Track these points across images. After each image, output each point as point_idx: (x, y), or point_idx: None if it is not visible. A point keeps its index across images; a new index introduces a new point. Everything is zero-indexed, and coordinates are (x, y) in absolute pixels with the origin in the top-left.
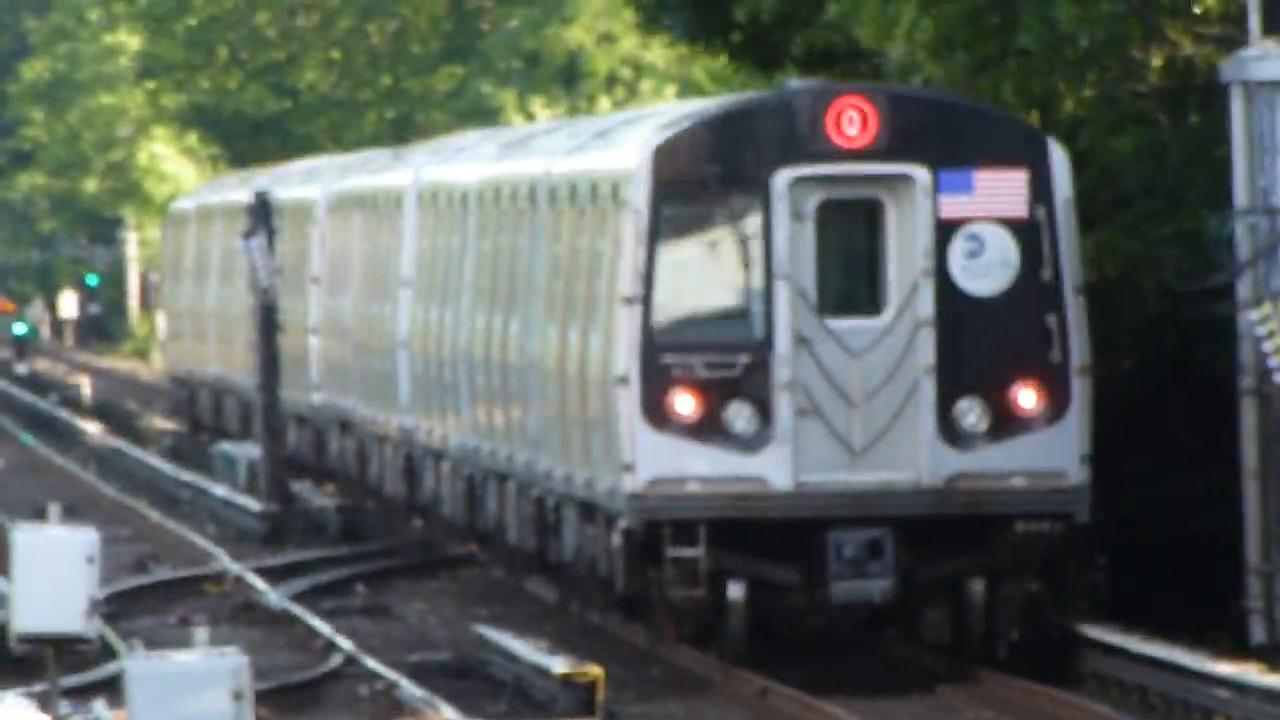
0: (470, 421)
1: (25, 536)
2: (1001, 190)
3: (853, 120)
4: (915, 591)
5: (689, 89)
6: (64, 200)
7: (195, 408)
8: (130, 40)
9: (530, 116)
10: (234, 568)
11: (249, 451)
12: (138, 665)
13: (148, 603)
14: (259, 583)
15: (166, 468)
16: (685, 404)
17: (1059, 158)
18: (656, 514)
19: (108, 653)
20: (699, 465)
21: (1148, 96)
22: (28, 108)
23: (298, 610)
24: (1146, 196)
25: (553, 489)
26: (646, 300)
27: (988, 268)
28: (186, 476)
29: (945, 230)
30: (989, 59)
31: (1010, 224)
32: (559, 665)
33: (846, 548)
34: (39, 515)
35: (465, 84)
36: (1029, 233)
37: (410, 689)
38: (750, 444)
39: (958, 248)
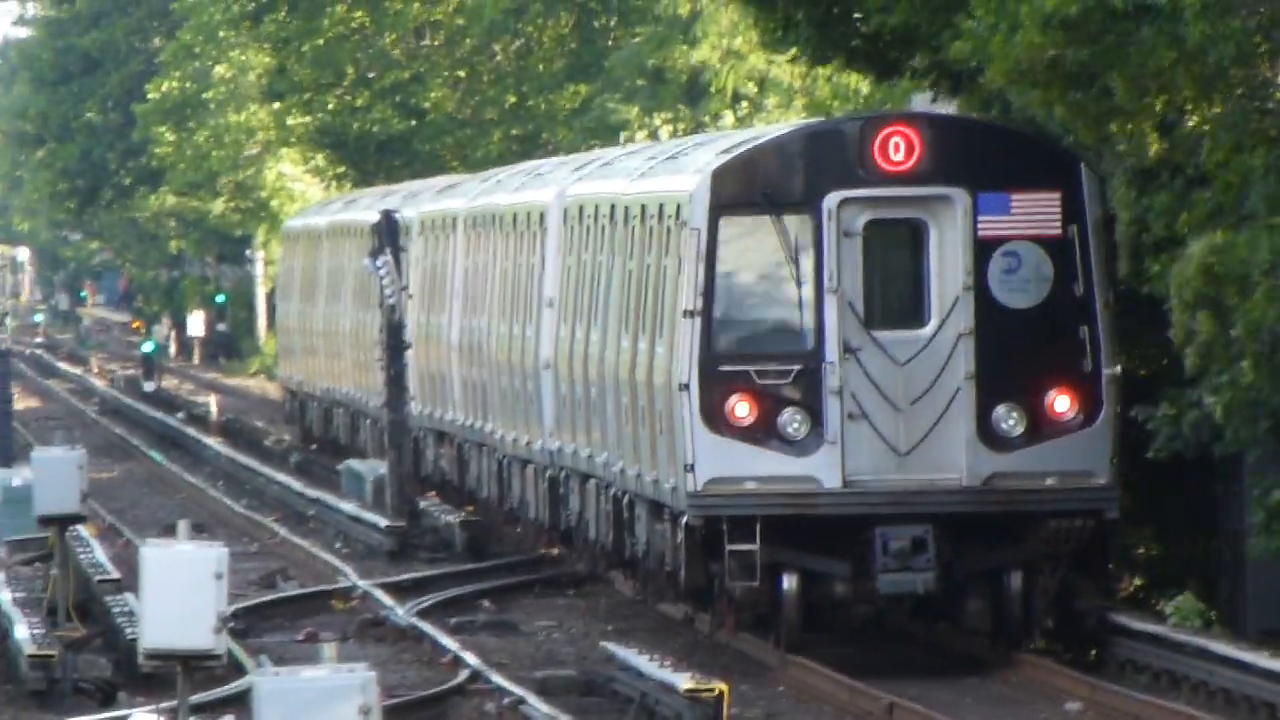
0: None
1: (154, 553)
2: (1036, 210)
3: (898, 146)
4: (956, 583)
5: (813, 106)
6: (192, 220)
7: (305, 419)
8: (257, 59)
9: (654, 134)
10: (361, 584)
11: (376, 468)
12: (266, 681)
13: (276, 619)
14: (386, 599)
15: (294, 484)
16: (742, 409)
17: (1090, 180)
18: (716, 511)
19: (236, 669)
20: (755, 466)
21: (1275, 113)
22: (156, 127)
23: (424, 626)
24: (1272, 213)
25: (627, 488)
26: (706, 313)
27: (1023, 283)
28: (314, 493)
29: (984, 248)
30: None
31: (1044, 242)
32: (684, 681)
33: (892, 542)
34: (168, 532)
35: (590, 101)
36: (1062, 250)
37: (536, 705)
38: (802, 446)
39: (995, 264)
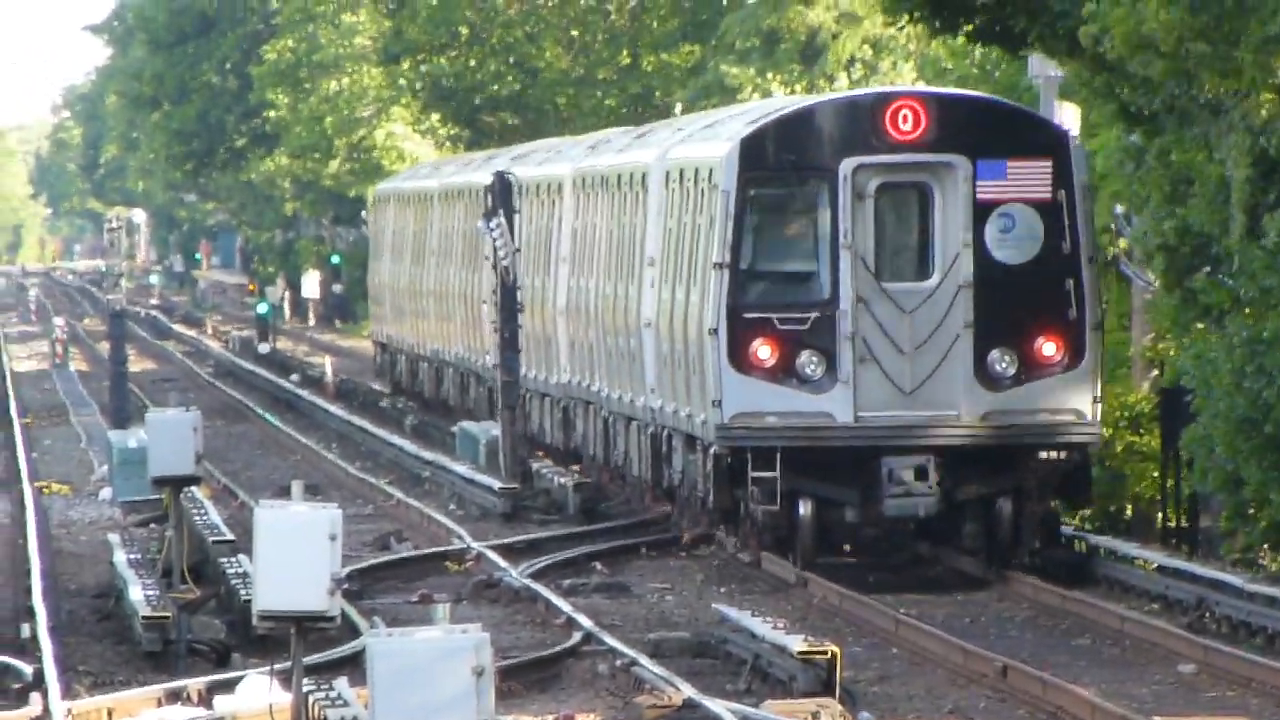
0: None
1: (269, 515)
2: (1029, 177)
3: (907, 118)
4: (954, 508)
5: (928, 67)
6: (307, 181)
7: (395, 371)
8: (371, 20)
9: (768, 95)
10: (475, 545)
11: (489, 430)
12: (380, 643)
13: (390, 581)
14: (500, 560)
15: (408, 446)
16: (764, 352)
17: (1077, 150)
18: (740, 442)
19: (350, 631)
20: (775, 402)
21: None
22: (271, 90)
23: (538, 588)
24: None
25: (665, 424)
26: (734, 266)
27: (1017, 241)
28: (428, 455)
29: (982, 210)
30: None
31: (1036, 205)
32: (797, 643)
33: (897, 471)
34: (282, 494)
35: (704, 62)
36: (1052, 212)
37: (649, 667)
38: (818, 385)
39: (992, 224)
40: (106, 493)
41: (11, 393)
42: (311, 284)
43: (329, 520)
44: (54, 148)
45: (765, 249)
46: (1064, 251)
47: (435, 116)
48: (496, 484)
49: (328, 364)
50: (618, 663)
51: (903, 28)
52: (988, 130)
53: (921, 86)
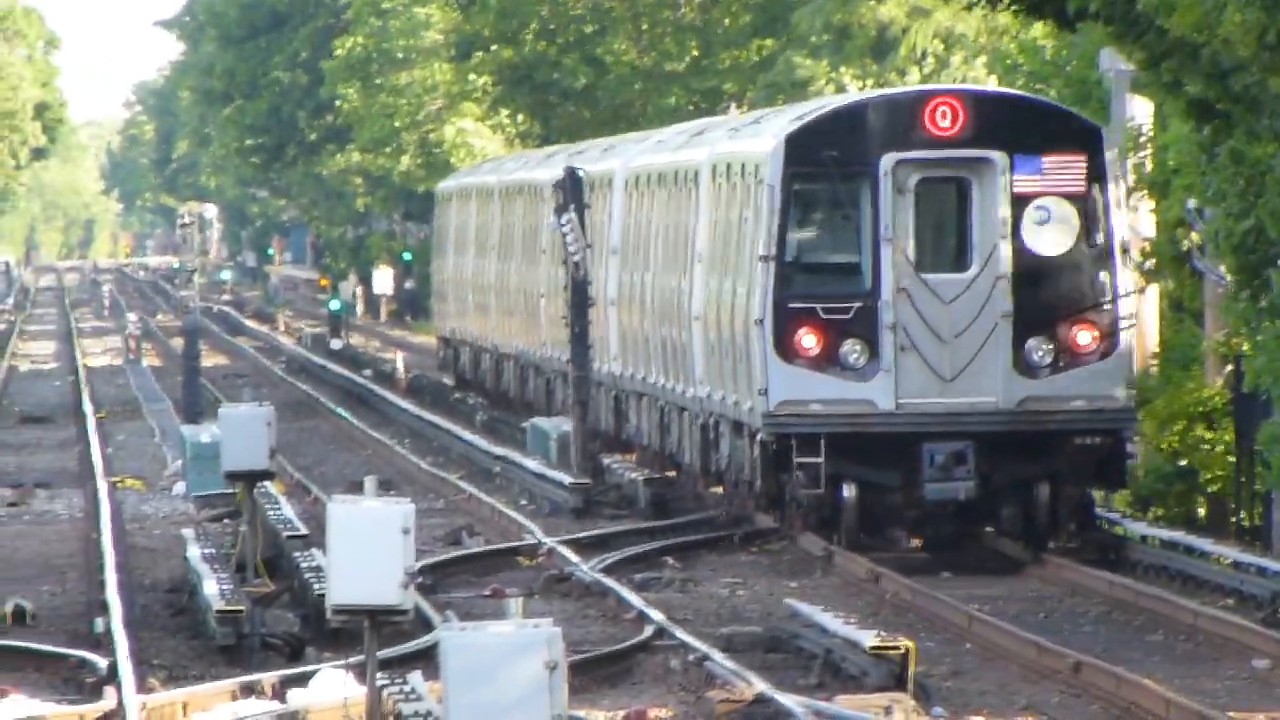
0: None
1: (342, 509)
2: (1064, 171)
3: (945, 115)
4: (992, 492)
5: (999, 62)
6: (378, 177)
7: (459, 364)
8: (442, 14)
9: (840, 89)
10: (546, 540)
11: (560, 425)
12: (453, 637)
13: (462, 575)
14: (571, 555)
15: (479, 441)
16: (809, 341)
17: (1110, 144)
18: (786, 429)
19: (423, 625)
20: (820, 390)
21: None
22: (342, 84)
23: (609, 582)
24: None
25: (712, 411)
26: (779, 258)
27: (1053, 233)
28: (499, 450)
29: (1019, 203)
30: None
31: (1071, 198)
32: (870, 638)
33: (937, 456)
34: (355, 488)
35: (774, 57)
36: (1086, 205)
37: (721, 661)
38: (861, 373)
39: (1029, 216)
40: (180, 487)
41: (85, 388)
42: (383, 280)
43: (402, 514)
44: (126, 143)
45: (809, 242)
46: (1097, 242)
47: (505, 112)
48: (567, 479)
49: (399, 359)
50: (689, 657)
51: (979, 12)
52: (1023, 126)
53: (959, 85)
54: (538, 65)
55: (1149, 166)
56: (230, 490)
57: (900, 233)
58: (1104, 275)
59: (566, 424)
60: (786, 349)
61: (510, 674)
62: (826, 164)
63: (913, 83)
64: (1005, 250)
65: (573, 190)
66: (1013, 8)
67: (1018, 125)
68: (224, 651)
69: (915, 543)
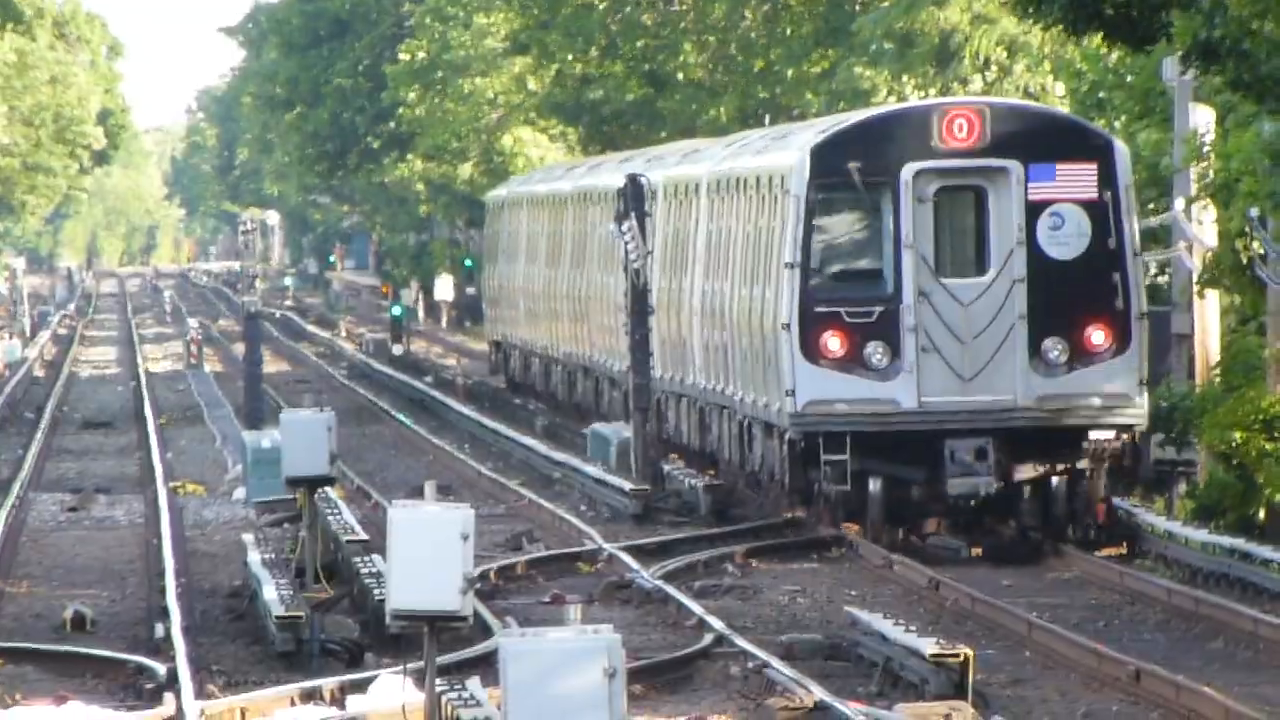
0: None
1: (402, 514)
2: (1077, 179)
3: (962, 126)
4: (1012, 487)
5: (1063, 70)
6: (440, 184)
7: (509, 368)
8: (504, 22)
9: (902, 98)
10: (607, 547)
11: (621, 431)
12: (513, 643)
13: (522, 581)
14: (631, 562)
15: (540, 447)
16: (834, 344)
17: (1121, 153)
18: (813, 428)
19: (483, 631)
20: (845, 390)
21: None
22: (404, 90)
23: (669, 589)
24: None
25: (745, 413)
26: (805, 265)
27: (1067, 238)
28: (559, 456)
29: (1034, 209)
30: None
31: (1084, 205)
32: (929, 646)
33: (959, 453)
34: (415, 494)
35: (837, 66)
36: (1098, 211)
37: (781, 669)
38: (884, 374)
39: (1043, 223)
40: (240, 493)
41: (146, 393)
42: (445, 286)
43: (461, 520)
44: (189, 150)
45: (833, 249)
46: (1110, 247)
47: (560, 126)
48: (628, 485)
49: (459, 366)
50: (749, 665)
51: (1034, 26)
52: (1038, 136)
53: (976, 97)
54: (597, 83)
55: (1211, 175)
56: (291, 496)
57: (920, 239)
58: (1116, 277)
59: (626, 430)
60: (812, 351)
61: (570, 680)
62: (849, 174)
63: (975, 91)
64: (1021, 255)
65: (634, 197)
66: (1059, 25)
67: (1032, 136)
68: (283, 657)
69: (975, 551)
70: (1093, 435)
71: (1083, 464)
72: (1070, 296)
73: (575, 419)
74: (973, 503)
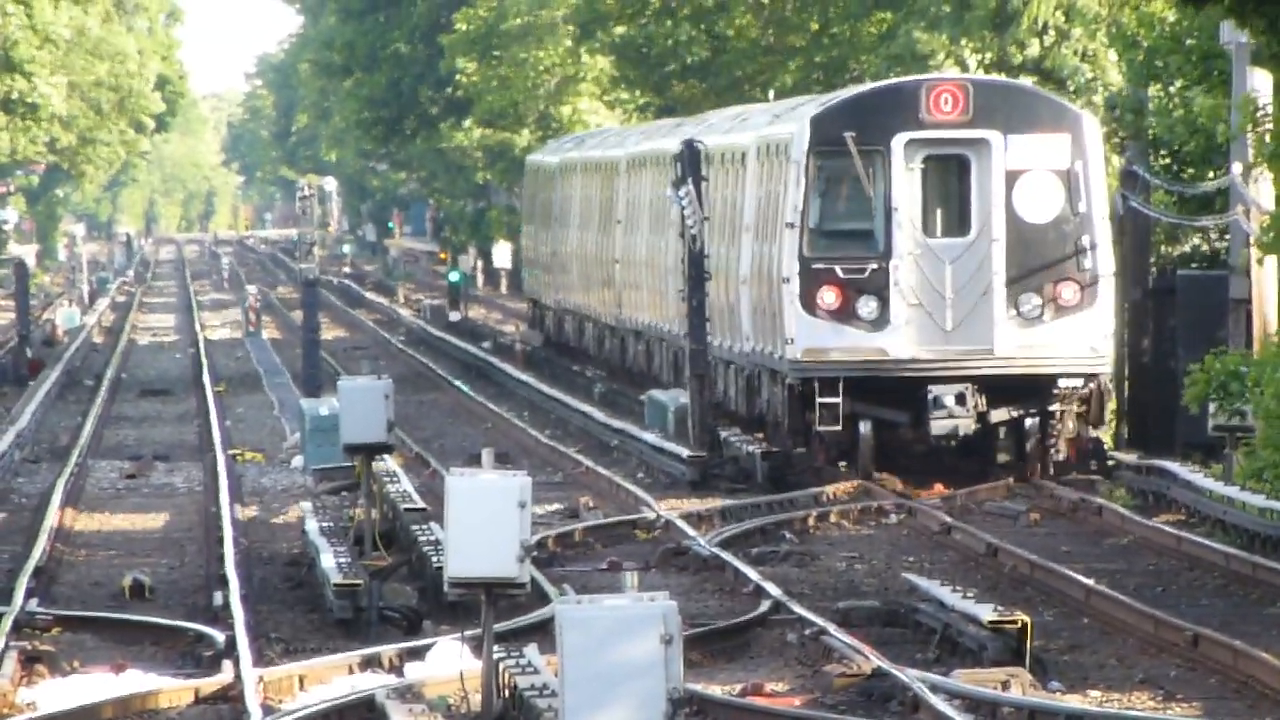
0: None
1: (459, 482)
2: (1051, 148)
3: (948, 100)
4: (989, 428)
5: (1118, 37)
6: (498, 150)
7: (544, 325)
8: None
9: (960, 62)
10: (664, 513)
11: (678, 398)
12: (569, 610)
13: (579, 548)
14: (688, 529)
15: (597, 414)
16: (829, 297)
17: (1091, 126)
18: (809, 373)
19: (540, 598)
20: (839, 340)
21: None
22: (461, 58)
23: (726, 556)
24: None
25: (754, 361)
26: (802, 225)
27: (1041, 203)
28: (617, 423)
29: (1012, 176)
30: None
31: (1057, 173)
32: (987, 612)
33: (941, 397)
34: (473, 461)
35: (895, 29)
36: (1070, 179)
37: (838, 636)
38: (875, 325)
39: (1020, 188)
40: (299, 460)
41: (205, 360)
42: (503, 253)
43: (519, 487)
44: (247, 116)
45: (830, 211)
46: (1081, 211)
47: (621, 90)
48: (685, 452)
49: (518, 332)
50: (806, 632)
51: None
52: (1016, 110)
53: (960, 74)
54: (656, 40)
55: (1269, 140)
56: (349, 463)
57: (908, 203)
58: (1086, 239)
59: (683, 397)
60: (810, 304)
61: (626, 647)
62: (846, 143)
63: (1032, 55)
64: (1000, 218)
65: (690, 163)
66: None
67: (1011, 109)
68: (341, 625)
69: (1035, 517)
70: (1062, 382)
71: (1053, 407)
72: (1044, 256)
73: (627, 382)
74: (953, 442)
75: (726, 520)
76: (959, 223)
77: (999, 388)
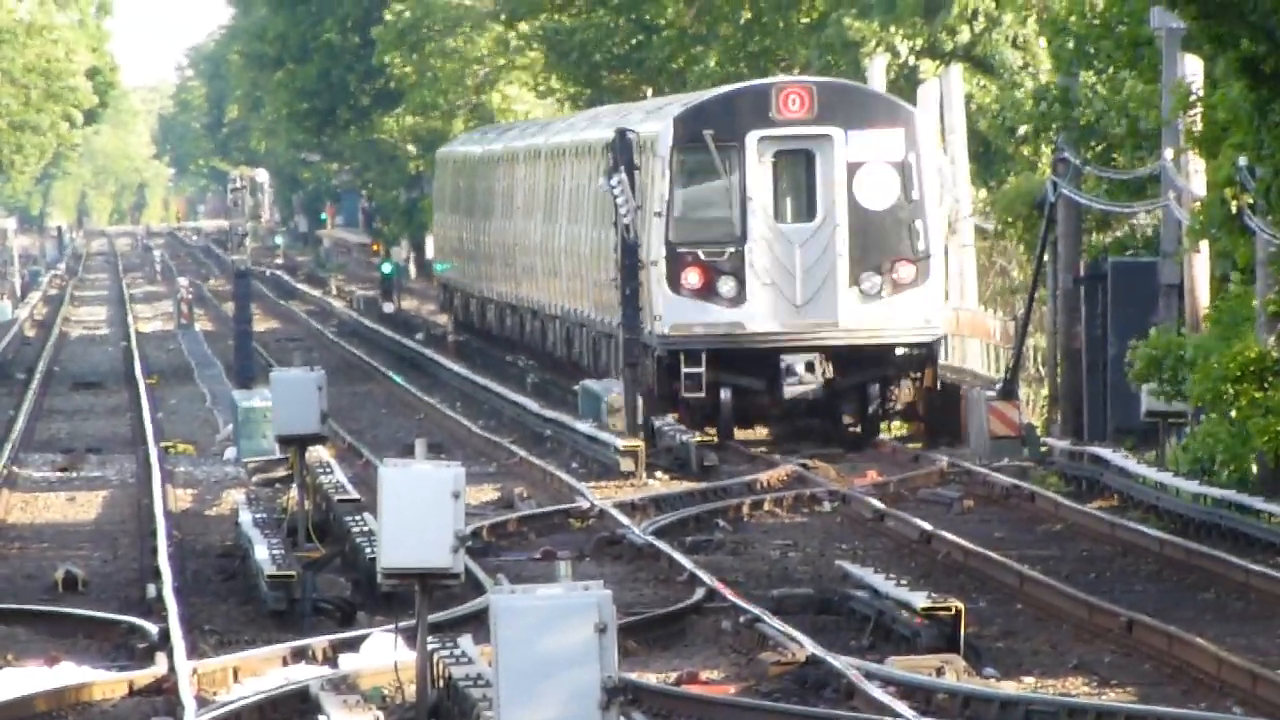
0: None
1: (393, 473)
2: (887, 143)
3: (794, 101)
4: (835, 393)
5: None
6: (431, 140)
7: (453, 305)
8: None
9: (891, 50)
10: (597, 503)
11: (611, 388)
12: (503, 600)
13: (512, 538)
14: (622, 518)
15: (530, 404)
16: (692, 278)
17: (922, 122)
18: (676, 346)
19: (474, 588)
20: (702, 316)
21: None
22: (390, 51)
23: (661, 545)
24: None
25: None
26: (668, 214)
27: (879, 191)
28: (550, 413)
29: (852, 168)
30: None
31: (892, 164)
32: (921, 600)
33: (793, 366)
34: (406, 452)
35: (826, 17)
36: (904, 169)
37: (772, 623)
38: (733, 302)
39: (860, 179)
40: (231, 452)
41: (137, 353)
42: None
43: (452, 478)
44: (178, 108)
45: (692, 201)
46: (914, 198)
47: (554, 78)
48: (619, 442)
49: (449, 323)
50: (740, 619)
51: None
52: (855, 108)
53: (806, 77)
54: (584, 30)
55: (1199, 125)
56: (282, 455)
57: (761, 193)
58: (919, 223)
59: (617, 386)
60: (675, 284)
61: (561, 637)
62: (706, 140)
63: (962, 42)
64: (842, 205)
65: (623, 152)
66: None
67: (851, 108)
68: (275, 616)
69: (968, 503)
70: (899, 351)
71: (892, 373)
72: (882, 239)
73: (514, 352)
74: (804, 406)
75: (660, 509)
76: (806, 210)
77: (844, 357)
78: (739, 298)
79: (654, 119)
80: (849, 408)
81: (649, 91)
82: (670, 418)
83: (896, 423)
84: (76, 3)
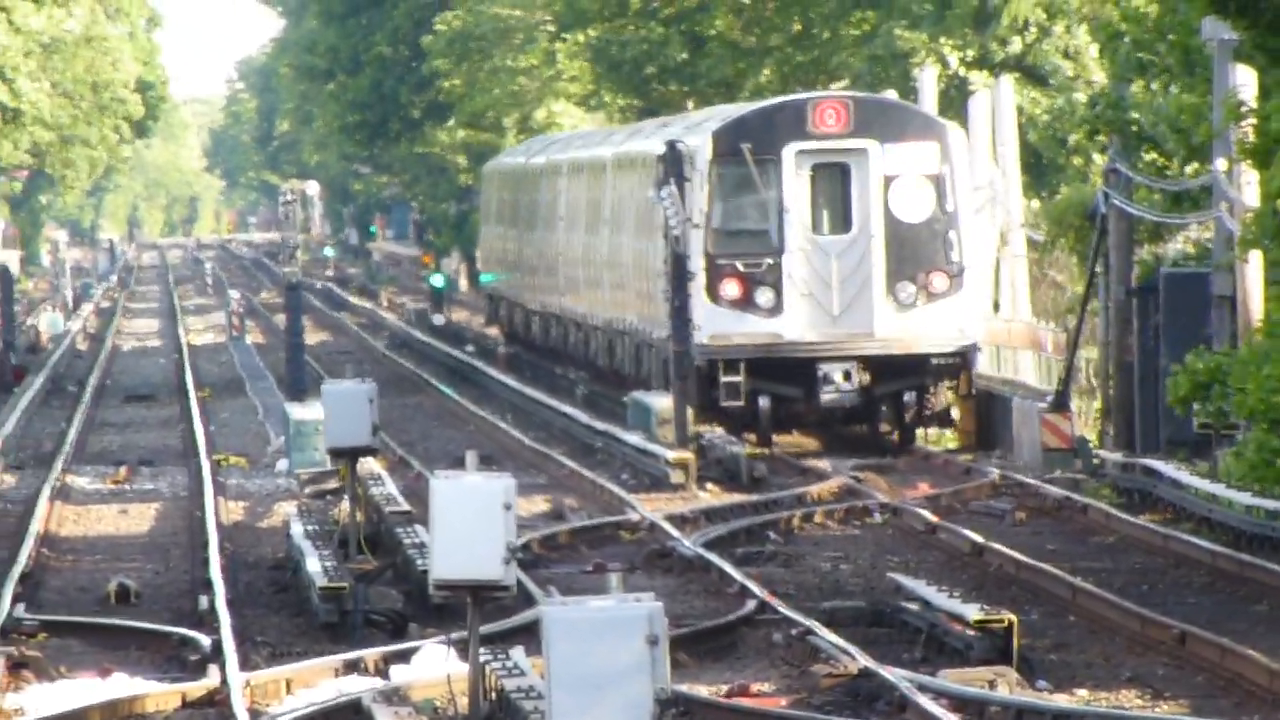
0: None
1: (444, 485)
2: (922, 156)
3: (831, 115)
4: (872, 400)
5: (1101, 28)
6: (481, 153)
7: (499, 315)
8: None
9: (942, 60)
10: (648, 515)
11: (662, 400)
12: (555, 612)
13: (564, 550)
14: (673, 530)
15: (581, 416)
16: (731, 288)
17: (957, 135)
18: (714, 355)
19: (525, 600)
20: (740, 325)
21: None
22: (441, 60)
23: (711, 557)
24: None
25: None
26: (707, 225)
27: (914, 203)
28: (600, 425)
29: (888, 180)
30: None
31: (928, 177)
32: (973, 612)
33: (830, 374)
34: (457, 464)
35: (876, 29)
36: (939, 182)
37: (824, 635)
38: (771, 312)
39: (895, 191)
40: (283, 464)
41: (188, 365)
42: None
43: (503, 489)
44: (228, 120)
45: (731, 212)
46: (948, 210)
47: (605, 91)
48: (669, 454)
49: (501, 335)
50: (792, 632)
51: None
52: (891, 122)
53: (843, 91)
54: (633, 43)
55: (1251, 137)
56: (333, 467)
57: (799, 205)
58: (953, 235)
59: (667, 398)
60: (714, 294)
61: (612, 649)
62: (743, 153)
63: (1013, 52)
64: (878, 217)
65: (673, 164)
66: None
67: (886, 122)
68: (327, 628)
69: (1020, 516)
70: (933, 359)
71: (927, 381)
72: (917, 250)
73: (559, 362)
74: (840, 413)
75: (711, 521)
76: (843, 222)
77: (880, 365)
78: (777, 308)
79: (693, 133)
80: (885, 414)
81: (690, 105)
82: (719, 430)
83: (934, 430)
84: (127, 16)
